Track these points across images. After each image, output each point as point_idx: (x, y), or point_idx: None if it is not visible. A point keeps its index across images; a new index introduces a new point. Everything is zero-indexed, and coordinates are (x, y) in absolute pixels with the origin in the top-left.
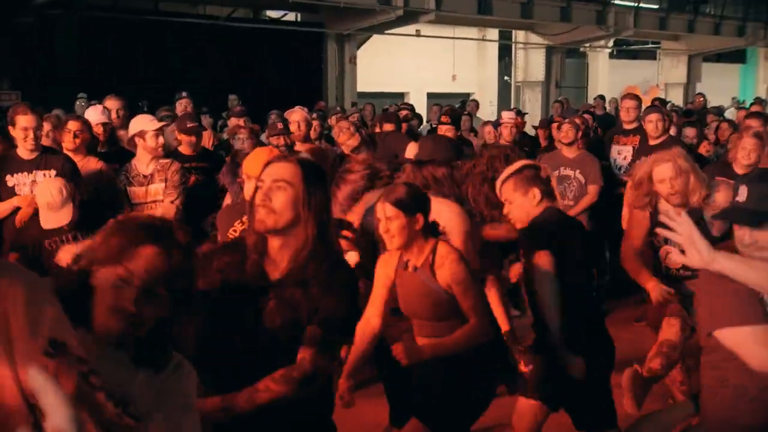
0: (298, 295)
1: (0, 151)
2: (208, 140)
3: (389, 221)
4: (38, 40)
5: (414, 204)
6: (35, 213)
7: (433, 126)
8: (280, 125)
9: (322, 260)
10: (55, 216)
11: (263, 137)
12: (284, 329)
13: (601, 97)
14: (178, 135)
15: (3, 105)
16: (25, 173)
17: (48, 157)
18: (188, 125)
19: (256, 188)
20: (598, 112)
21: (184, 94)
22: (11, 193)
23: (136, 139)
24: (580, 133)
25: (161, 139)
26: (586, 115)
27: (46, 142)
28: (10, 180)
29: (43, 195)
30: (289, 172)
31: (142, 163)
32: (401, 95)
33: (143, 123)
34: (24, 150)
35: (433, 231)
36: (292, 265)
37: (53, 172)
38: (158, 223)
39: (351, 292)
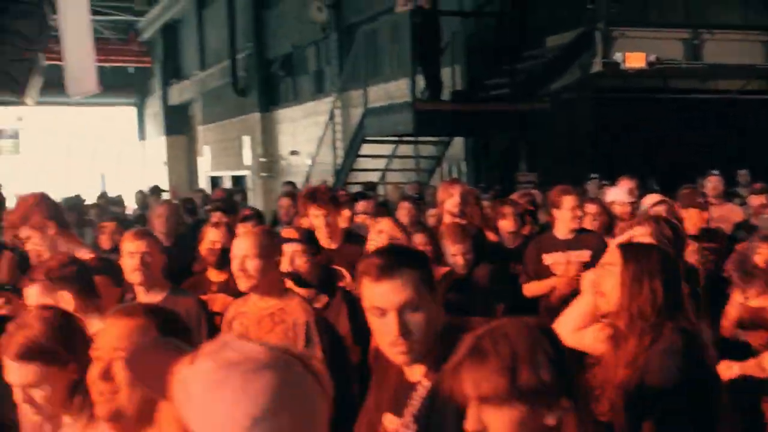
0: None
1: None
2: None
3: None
4: (556, 122)
5: None
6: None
7: None
8: None
9: (657, 334)
10: None
11: None
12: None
13: None
14: (681, 210)
15: (522, 185)
16: (560, 252)
17: (581, 237)
18: (697, 200)
19: None
20: None
21: (714, 171)
22: (547, 271)
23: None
24: None
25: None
26: None
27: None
28: (547, 259)
29: None
30: (614, 256)
31: None
32: None
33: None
34: (564, 230)
35: None
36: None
37: (587, 252)
38: None
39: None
